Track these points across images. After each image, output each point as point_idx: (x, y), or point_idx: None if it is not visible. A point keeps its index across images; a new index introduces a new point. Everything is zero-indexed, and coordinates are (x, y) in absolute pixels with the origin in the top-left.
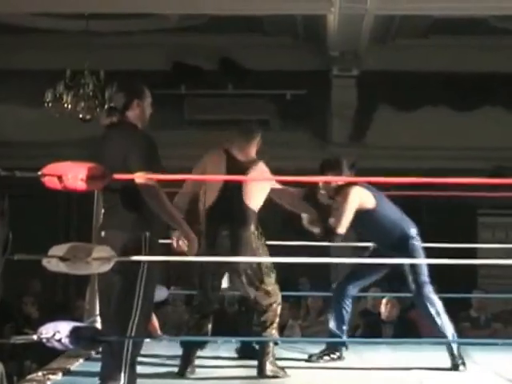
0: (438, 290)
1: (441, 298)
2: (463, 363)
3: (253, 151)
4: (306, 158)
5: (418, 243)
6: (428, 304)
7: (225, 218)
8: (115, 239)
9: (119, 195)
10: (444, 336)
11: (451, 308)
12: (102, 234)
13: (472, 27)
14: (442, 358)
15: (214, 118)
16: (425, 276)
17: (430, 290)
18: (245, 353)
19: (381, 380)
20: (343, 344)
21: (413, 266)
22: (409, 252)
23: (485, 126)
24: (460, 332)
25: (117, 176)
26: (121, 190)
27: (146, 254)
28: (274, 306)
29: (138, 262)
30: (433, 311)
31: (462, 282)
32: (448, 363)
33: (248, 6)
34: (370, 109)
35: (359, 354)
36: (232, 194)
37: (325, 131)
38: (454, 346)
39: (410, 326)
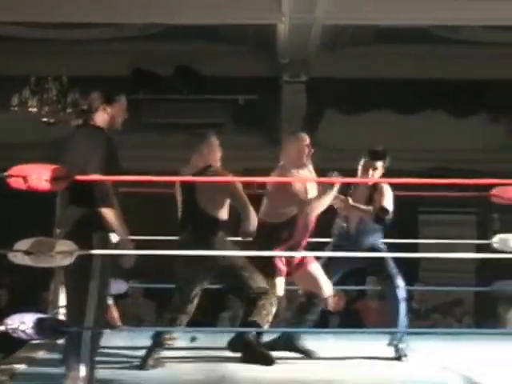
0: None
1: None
2: (405, 354)
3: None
4: (257, 158)
5: None
6: (399, 294)
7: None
8: (70, 236)
9: (76, 194)
10: (400, 325)
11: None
12: (58, 230)
13: (414, 36)
14: (385, 347)
15: (169, 122)
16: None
17: (401, 281)
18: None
19: (325, 368)
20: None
21: (387, 258)
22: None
23: (426, 128)
24: None
25: (78, 177)
26: (78, 189)
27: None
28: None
29: (91, 258)
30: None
31: (405, 276)
32: (391, 353)
33: (203, 15)
34: (318, 113)
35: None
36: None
37: (275, 133)
38: (399, 337)
39: (355, 316)
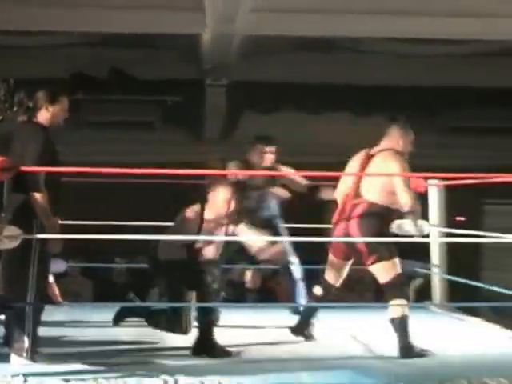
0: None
1: None
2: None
3: None
4: (183, 153)
5: None
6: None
7: None
8: (13, 221)
9: (16, 182)
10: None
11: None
12: (2, 215)
13: (322, 45)
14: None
15: (105, 120)
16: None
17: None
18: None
19: (244, 337)
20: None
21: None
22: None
23: (331, 126)
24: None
25: (23, 168)
26: (17, 178)
27: (37, 233)
28: None
29: (31, 240)
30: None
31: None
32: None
33: (136, 25)
34: (237, 113)
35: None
36: None
37: (199, 131)
38: (308, 311)
39: (270, 293)
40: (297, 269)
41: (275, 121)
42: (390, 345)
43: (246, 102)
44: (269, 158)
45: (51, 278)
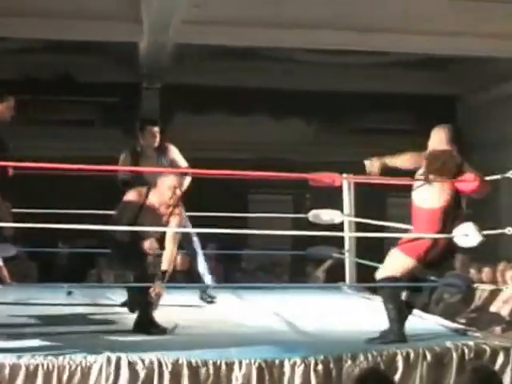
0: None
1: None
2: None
3: None
4: (120, 149)
5: None
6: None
7: None
8: None
9: None
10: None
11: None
12: None
13: (247, 53)
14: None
15: (51, 118)
16: None
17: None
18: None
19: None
20: None
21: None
22: None
23: (253, 127)
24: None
25: None
26: None
27: None
28: None
29: None
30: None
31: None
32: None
33: (79, 33)
34: (170, 113)
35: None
36: None
37: (135, 129)
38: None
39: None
40: (196, 242)
41: (204, 121)
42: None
43: (178, 104)
44: (157, 137)
45: (0, 261)
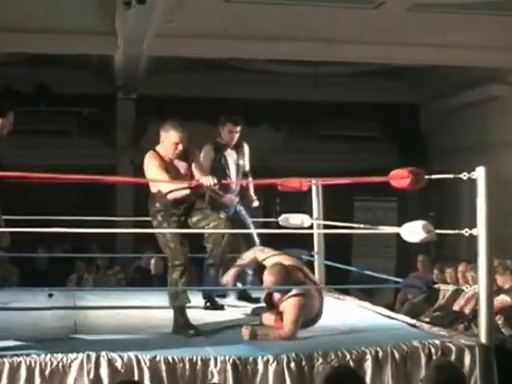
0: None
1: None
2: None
3: None
4: (98, 157)
5: None
6: None
7: None
8: None
9: None
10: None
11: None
12: None
13: (218, 65)
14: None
15: (31, 128)
16: None
17: None
18: None
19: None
20: None
21: None
22: None
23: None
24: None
25: None
26: None
27: None
28: None
29: None
30: None
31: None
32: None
33: (56, 47)
34: (144, 123)
35: (142, 298)
36: None
37: (111, 138)
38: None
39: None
40: None
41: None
42: None
43: (152, 113)
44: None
45: None
